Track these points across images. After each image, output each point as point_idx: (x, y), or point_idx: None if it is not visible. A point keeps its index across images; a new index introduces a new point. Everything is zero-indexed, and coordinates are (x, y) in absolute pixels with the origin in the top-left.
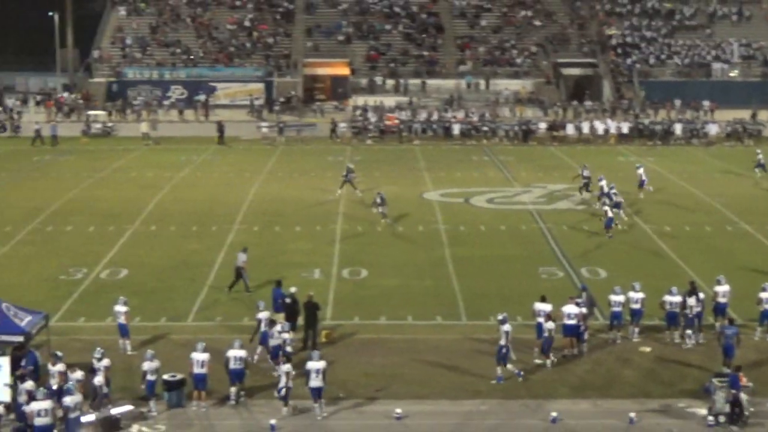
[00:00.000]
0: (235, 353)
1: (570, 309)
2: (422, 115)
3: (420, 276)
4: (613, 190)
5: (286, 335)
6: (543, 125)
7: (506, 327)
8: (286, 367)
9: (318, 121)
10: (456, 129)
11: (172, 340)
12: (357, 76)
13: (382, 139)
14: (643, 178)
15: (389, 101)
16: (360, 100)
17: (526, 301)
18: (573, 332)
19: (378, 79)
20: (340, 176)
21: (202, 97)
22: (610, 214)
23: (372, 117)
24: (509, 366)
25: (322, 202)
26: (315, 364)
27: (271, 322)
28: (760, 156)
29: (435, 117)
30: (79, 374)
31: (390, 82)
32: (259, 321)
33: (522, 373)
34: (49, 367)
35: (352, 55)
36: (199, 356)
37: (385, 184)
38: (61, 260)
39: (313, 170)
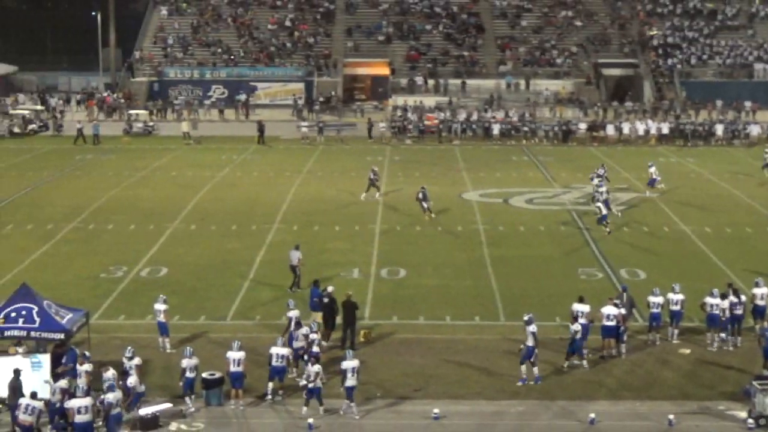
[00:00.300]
0: (278, 350)
1: (609, 310)
2: (462, 115)
3: (459, 276)
4: (602, 188)
5: (314, 335)
6: (583, 126)
7: (532, 328)
8: (316, 368)
9: (358, 120)
10: (496, 129)
11: (211, 339)
12: (397, 76)
13: (421, 139)
14: (655, 176)
15: (429, 101)
16: (400, 100)
17: (564, 302)
18: (612, 333)
19: (418, 79)
20: (366, 179)
21: (242, 97)
22: (604, 210)
23: (412, 117)
24: (535, 369)
25: (360, 202)
26: (350, 363)
27: (297, 324)
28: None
29: (475, 117)
30: (111, 373)
31: (430, 82)
32: (290, 320)
33: (540, 379)
34: (77, 366)
35: (392, 55)
36: (235, 355)
37: (425, 183)
38: (101, 258)
39: (353, 170)
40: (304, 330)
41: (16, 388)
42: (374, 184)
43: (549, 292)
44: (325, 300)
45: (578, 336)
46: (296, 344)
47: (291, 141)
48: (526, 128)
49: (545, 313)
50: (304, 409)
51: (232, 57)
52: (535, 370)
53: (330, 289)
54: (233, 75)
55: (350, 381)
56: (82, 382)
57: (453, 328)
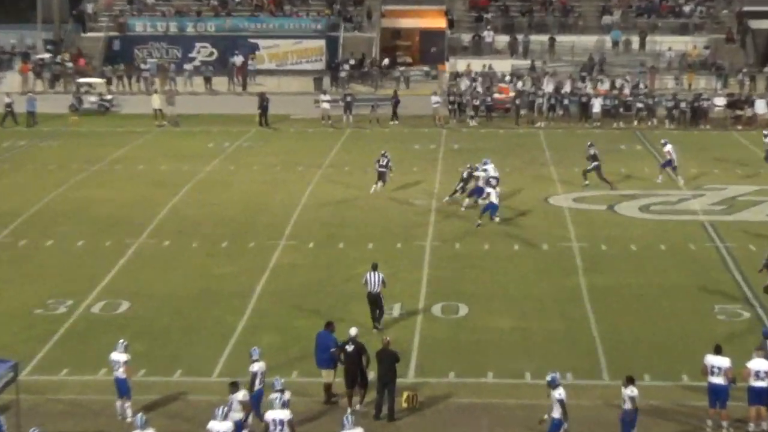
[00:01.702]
0: (275, 415)
1: (759, 365)
2: (549, 86)
3: (543, 315)
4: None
5: (286, 396)
6: (721, 101)
7: (558, 393)
8: None
9: (403, 93)
10: (597, 106)
11: (191, 403)
12: (457, 29)
13: (490, 119)
14: (671, 156)
15: (502, 66)
16: (461, 64)
17: (695, 353)
18: (762, 398)
19: (487, 35)
20: (378, 167)
21: (238, 60)
22: (493, 200)
23: (478, 88)
24: None
25: (403, 209)
26: None
27: (259, 383)
28: None
29: (567, 89)
30: None
31: (503, 39)
32: (253, 375)
33: None
34: None
35: (450, 1)
36: (220, 427)
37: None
38: (37, 288)
39: (394, 164)
40: (241, 394)
41: None
42: (382, 175)
43: (672, 339)
44: (349, 349)
45: (628, 406)
46: (234, 416)
47: (306, 122)
48: (640, 105)
49: (666, 368)
50: None
51: (223, 3)
52: None
53: (353, 332)
54: (225, 28)
55: None
56: None
57: (535, 389)
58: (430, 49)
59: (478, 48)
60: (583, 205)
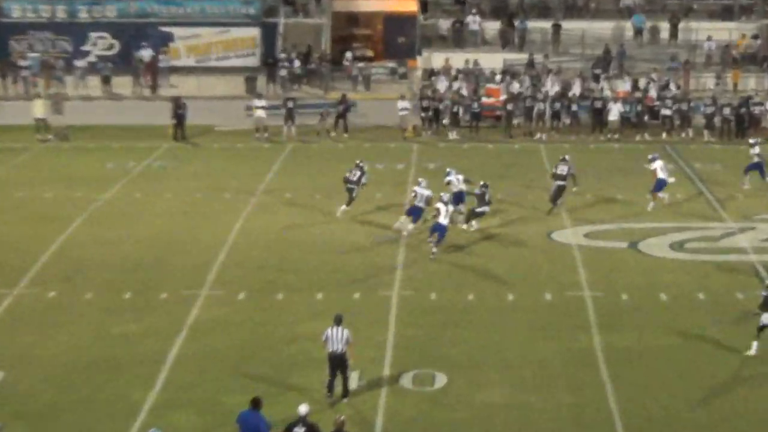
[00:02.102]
0: None
1: None
2: (553, 88)
3: (547, 385)
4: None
5: None
6: None
7: None
8: None
9: (360, 97)
10: (614, 113)
11: None
12: (432, 14)
13: (476, 131)
14: (663, 174)
15: (492, 61)
16: (438, 58)
17: None
18: None
19: (471, 21)
20: (347, 183)
21: (146, 54)
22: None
23: (462, 90)
24: None
25: (364, 248)
26: None
27: None
28: None
29: (576, 90)
30: None
31: (493, 27)
32: None
33: None
34: None
35: None
36: None
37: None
38: None
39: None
40: None
41: None
42: (351, 191)
43: (714, 418)
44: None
45: None
46: None
47: (235, 135)
48: (670, 111)
49: None
50: None
51: None
52: None
53: (303, 410)
54: (129, 13)
55: None
56: None
57: None
58: (397, 40)
59: (459, 38)
60: (597, 242)
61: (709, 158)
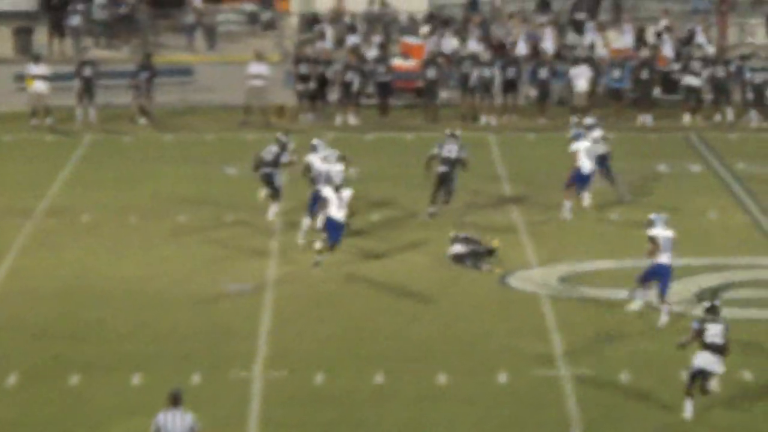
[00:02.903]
0: None
1: None
2: (512, 43)
3: None
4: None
5: None
6: None
7: None
8: None
9: (200, 60)
10: (582, 81)
11: None
12: None
13: (386, 113)
14: (588, 168)
15: (411, 2)
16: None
17: None
18: None
19: None
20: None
21: None
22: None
23: (365, 49)
24: None
25: (208, 298)
26: None
27: None
28: None
29: (548, 47)
30: None
31: None
32: None
33: None
34: None
35: None
36: None
37: (391, 240)
38: None
39: (190, 203)
40: None
41: None
42: (269, 177)
43: None
44: None
45: None
46: None
47: (1, 120)
48: (695, 80)
49: None
50: None
51: None
52: None
53: None
54: None
55: None
56: None
57: None
58: None
59: None
60: (580, 289)
61: (761, 155)
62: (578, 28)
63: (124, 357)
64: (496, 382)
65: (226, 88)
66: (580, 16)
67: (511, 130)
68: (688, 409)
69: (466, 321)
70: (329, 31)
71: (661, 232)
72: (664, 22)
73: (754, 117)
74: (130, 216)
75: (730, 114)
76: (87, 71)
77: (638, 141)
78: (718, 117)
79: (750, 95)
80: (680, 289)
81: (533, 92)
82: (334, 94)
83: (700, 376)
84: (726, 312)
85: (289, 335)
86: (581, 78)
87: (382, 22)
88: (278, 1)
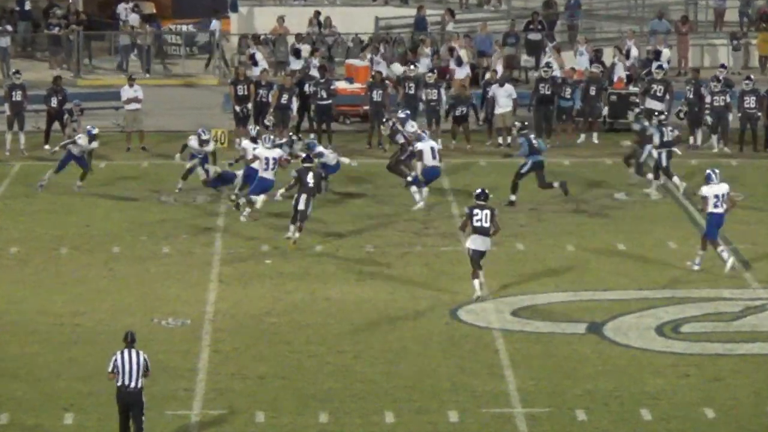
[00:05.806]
0: None
1: None
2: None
3: None
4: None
5: None
6: None
7: None
8: None
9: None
10: (504, 99)
11: None
12: None
13: (328, 138)
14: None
15: (357, 20)
16: (265, 16)
17: None
18: None
19: None
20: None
21: None
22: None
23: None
24: None
25: (148, 332)
26: None
27: None
28: None
29: (497, 68)
30: None
31: None
32: None
33: None
34: None
35: None
36: None
37: (334, 273)
38: None
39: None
40: None
41: None
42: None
43: None
44: None
45: None
46: None
47: None
48: (657, 102)
49: None
50: None
51: None
52: None
53: None
54: None
55: None
56: None
57: None
58: None
59: None
60: (535, 323)
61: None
62: (532, 48)
63: (54, 395)
64: (447, 420)
65: (162, 113)
66: (534, 36)
67: (461, 156)
68: (477, 288)
69: (414, 356)
70: (262, 54)
71: (709, 190)
72: (630, 43)
73: (715, 142)
74: (62, 247)
75: (698, 138)
76: (16, 95)
77: (596, 167)
78: (690, 140)
79: (711, 120)
80: (636, 323)
81: (480, 117)
82: (268, 119)
83: (477, 256)
84: (686, 346)
85: (229, 372)
86: (503, 97)
87: (324, 42)
88: (221, 19)
